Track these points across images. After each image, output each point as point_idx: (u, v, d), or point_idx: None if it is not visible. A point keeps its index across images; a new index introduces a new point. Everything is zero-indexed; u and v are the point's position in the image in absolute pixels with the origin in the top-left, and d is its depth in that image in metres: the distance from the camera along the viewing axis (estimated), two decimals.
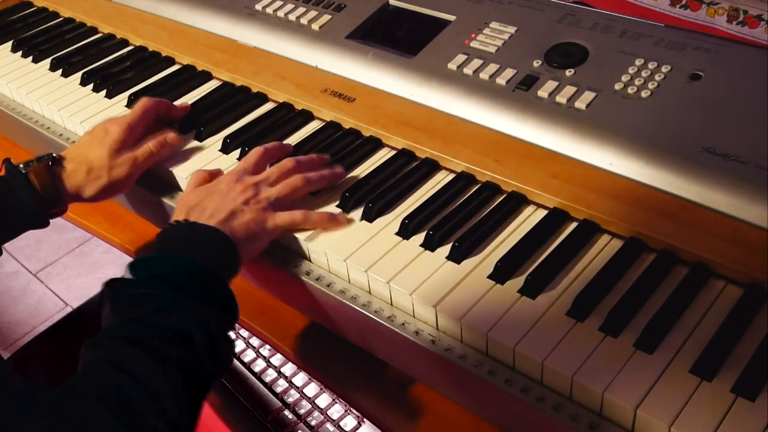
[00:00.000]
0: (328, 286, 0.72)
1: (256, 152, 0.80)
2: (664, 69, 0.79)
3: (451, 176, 0.80)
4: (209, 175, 0.79)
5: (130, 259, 1.00)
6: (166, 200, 0.85)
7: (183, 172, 0.85)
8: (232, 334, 0.67)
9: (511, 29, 0.90)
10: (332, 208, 0.78)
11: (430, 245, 0.71)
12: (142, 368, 0.55)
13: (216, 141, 0.90)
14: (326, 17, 1.01)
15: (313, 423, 0.95)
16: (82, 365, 0.57)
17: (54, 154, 0.83)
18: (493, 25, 0.91)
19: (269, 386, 1.01)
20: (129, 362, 0.56)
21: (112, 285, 0.63)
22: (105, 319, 0.62)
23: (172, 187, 0.87)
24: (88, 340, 0.59)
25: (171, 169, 0.86)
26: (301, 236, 0.74)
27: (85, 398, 0.53)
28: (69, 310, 2.17)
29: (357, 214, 0.77)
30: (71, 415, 0.52)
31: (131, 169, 0.83)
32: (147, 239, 0.95)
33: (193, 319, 0.60)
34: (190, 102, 0.98)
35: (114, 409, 0.52)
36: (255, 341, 1.09)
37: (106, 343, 0.58)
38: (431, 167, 0.81)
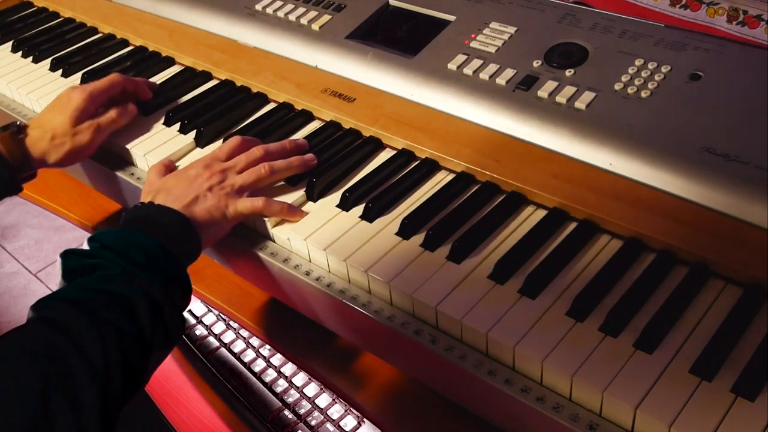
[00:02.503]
0: (328, 286, 0.72)
1: (232, 141, 0.82)
2: (664, 69, 0.79)
3: (451, 176, 0.80)
4: (165, 166, 0.82)
5: None
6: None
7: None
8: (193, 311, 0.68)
9: (511, 29, 0.90)
10: (332, 208, 0.78)
11: (430, 245, 0.71)
12: (76, 326, 0.58)
13: (216, 142, 0.90)
14: (326, 17, 1.01)
15: (313, 423, 0.95)
16: (25, 323, 0.60)
17: (18, 122, 0.87)
18: (493, 25, 0.91)
19: (269, 386, 1.01)
20: (65, 320, 0.58)
21: (65, 254, 0.66)
22: (58, 286, 0.65)
23: None
24: (36, 301, 0.61)
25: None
26: (298, 235, 0.74)
27: (14, 350, 0.56)
28: None
29: (357, 214, 0.77)
30: None
31: (93, 134, 0.87)
32: None
33: (135, 285, 0.63)
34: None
35: (41, 361, 0.55)
36: (255, 341, 1.09)
37: (48, 304, 0.61)
38: (431, 167, 0.81)
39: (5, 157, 0.83)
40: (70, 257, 0.66)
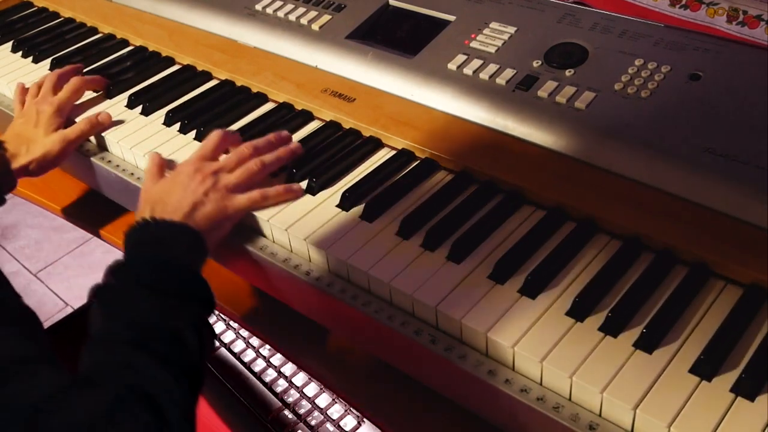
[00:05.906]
0: (328, 285, 0.72)
1: (214, 136, 0.82)
2: (664, 69, 0.79)
3: (451, 176, 0.80)
4: (158, 167, 0.82)
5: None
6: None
7: None
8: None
9: (511, 29, 0.90)
10: (332, 208, 0.78)
11: (430, 245, 0.71)
12: (148, 367, 0.60)
13: None
14: (326, 17, 1.01)
15: (313, 423, 0.95)
16: (89, 367, 0.61)
17: None
18: (493, 25, 0.91)
19: (269, 386, 1.01)
20: (136, 363, 0.60)
21: (100, 292, 0.67)
22: (95, 322, 0.65)
23: None
24: (90, 342, 0.63)
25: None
26: (298, 235, 0.74)
27: (107, 396, 0.56)
28: (69, 310, 2.17)
29: (357, 214, 0.77)
30: (103, 408, 0.55)
31: (63, 145, 0.91)
32: None
33: (180, 318, 0.65)
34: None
35: (137, 401, 0.56)
36: (255, 341, 1.09)
37: (110, 348, 0.62)
38: (431, 167, 0.81)
39: None
40: (105, 294, 0.67)
